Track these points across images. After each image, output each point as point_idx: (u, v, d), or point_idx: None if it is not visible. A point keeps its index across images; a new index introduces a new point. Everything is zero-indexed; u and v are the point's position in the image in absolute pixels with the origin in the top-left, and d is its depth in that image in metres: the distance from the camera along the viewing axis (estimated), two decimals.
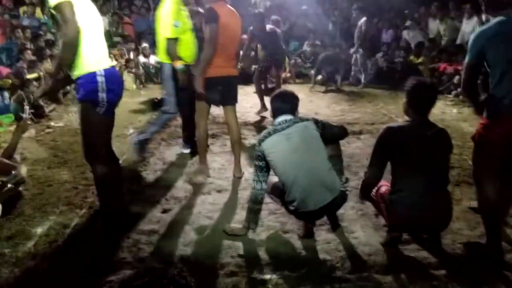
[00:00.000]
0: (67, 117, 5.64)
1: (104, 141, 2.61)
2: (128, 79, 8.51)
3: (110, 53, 8.85)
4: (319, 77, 8.36)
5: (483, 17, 5.28)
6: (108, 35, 9.36)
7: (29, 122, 3.54)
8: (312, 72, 8.54)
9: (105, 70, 2.47)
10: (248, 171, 3.77)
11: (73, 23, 2.28)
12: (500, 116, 2.31)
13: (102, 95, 2.45)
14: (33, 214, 2.96)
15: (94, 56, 2.45)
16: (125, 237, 2.66)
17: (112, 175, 2.62)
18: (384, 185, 2.51)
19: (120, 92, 2.64)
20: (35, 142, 4.64)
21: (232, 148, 3.72)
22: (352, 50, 9.43)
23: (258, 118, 5.90)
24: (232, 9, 3.50)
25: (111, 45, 8.83)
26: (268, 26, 5.98)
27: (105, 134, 2.61)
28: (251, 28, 5.87)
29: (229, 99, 3.60)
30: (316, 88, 8.05)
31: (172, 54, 3.67)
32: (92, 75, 2.43)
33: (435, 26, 9.19)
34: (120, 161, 3.99)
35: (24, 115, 3.46)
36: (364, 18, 8.36)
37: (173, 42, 3.64)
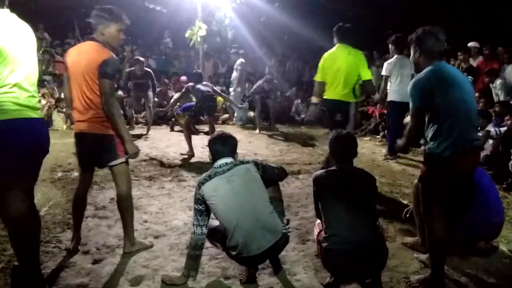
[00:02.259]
0: None
1: (14, 197, 2.17)
2: (58, 119, 8.12)
3: (38, 92, 8.41)
4: (251, 113, 8.78)
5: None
6: (38, 74, 8.94)
7: None
8: (252, 114, 8.81)
9: (2, 122, 2.06)
10: (188, 214, 3.65)
11: None
12: (451, 156, 2.43)
13: None
14: None
15: None
16: None
17: (28, 229, 2.25)
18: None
19: (32, 145, 2.19)
20: None
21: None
22: (288, 93, 9.87)
23: (196, 159, 5.82)
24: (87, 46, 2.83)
25: (41, 83, 8.43)
26: (203, 86, 6.34)
27: (13, 191, 2.16)
28: (188, 85, 6.51)
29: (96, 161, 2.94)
30: (260, 131, 8.19)
31: None
32: None
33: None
34: (47, 208, 3.70)
35: None
36: (240, 60, 8.89)
37: None
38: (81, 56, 2.74)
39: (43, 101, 7.82)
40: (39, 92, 8.42)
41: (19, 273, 2.41)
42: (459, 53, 7.62)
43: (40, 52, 9.48)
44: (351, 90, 4.26)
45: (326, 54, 4.38)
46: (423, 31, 2.59)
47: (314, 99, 4.56)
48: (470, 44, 7.59)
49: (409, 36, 2.67)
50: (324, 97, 4.41)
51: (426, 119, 2.51)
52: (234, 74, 9.04)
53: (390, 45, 5.92)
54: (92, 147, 2.79)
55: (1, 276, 2.58)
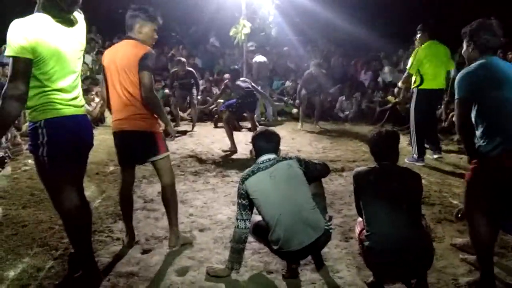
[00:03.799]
0: None
1: (65, 191, 2.32)
2: (110, 116, 8.48)
3: (91, 90, 8.76)
4: (294, 110, 8.68)
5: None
6: (91, 73, 9.42)
7: (6, 160, 3.44)
8: (295, 110, 8.72)
9: (48, 120, 2.20)
10: (231, 209, 3.72)
11: (14, 84, 2.06)
12: (498, 155, 2.32)
13: (42, 150, 2.22)
14: (5, 257, 2.82)
15: (40, 103, 2.19)
16: (103, 281, 2.54)
17: (80, 222, 2.40)
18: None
19: (77, 141, 2.33)
20: (11, 180, 4.51)
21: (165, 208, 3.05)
22: (332, 90, 9.73)
23: (239, 155, 5.90)
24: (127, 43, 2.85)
25: (94, 82, 8.88)
26: (242, 82, 6.35)
27: (62, 185, 2.32)
28: (227, 81, 6.59)
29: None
30: (303, 127, 8.12)
31: None
32: (34, 127, 2.23)
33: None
34: (100, 200, 3.92)
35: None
36: (255, 59, 8.44)
37: None
38: (119, 54, 2.80)
39: (97, 99, 8.23)
40: (93, 90, 8.84)
41: (75, 260, 2.59)
42: None
43: (94, 52, 9.99)
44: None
45: (423, 49, 5.26)
46: (478, 24, 2.46)
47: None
48: None
49: (463, 29, 2.55)
50: (425, 87, 5.25)
51: (474, 115, 2.40)
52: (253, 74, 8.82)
53: (419, 33, 5.65)
54: (133, 145, 2.85)
55: (59, 262, 2.77)
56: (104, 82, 2.96)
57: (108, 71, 2.85)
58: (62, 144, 2.26)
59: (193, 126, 8.01)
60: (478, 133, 2.41)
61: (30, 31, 2.09)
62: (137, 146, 2.87)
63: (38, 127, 2.21)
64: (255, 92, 6.41)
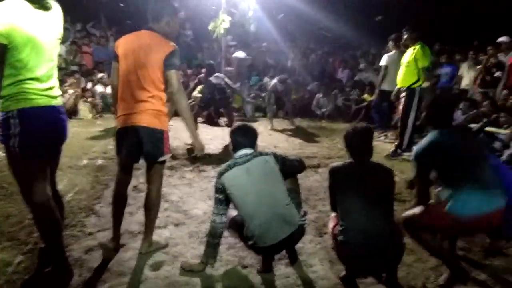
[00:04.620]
0: None
1: (35, 183, 2.26)
2: (84, 108, 8.32)
3: (65, 81, 8.57)
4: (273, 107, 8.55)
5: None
6: (65, 64, 9.17)
7: None
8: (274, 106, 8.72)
9: (21, 110, 2.13)
10: (208, 204, 3.72)
11: None
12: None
13: (14, 141, 2.16)
14: None
15: (13, 93, 2.13)
16: (75, 276, 2.50)
17: (52, 215, 2.33)
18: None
19: (50, 132, 2.29)
20: None
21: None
22: (310, 87, 9.82)
23: (217, 150, 5.89)
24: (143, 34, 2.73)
25: (68, 73, 8.65)
26: (215, 78, 6.35)
27: (35, 177, 2.26)
28: (200, 76, 6.64)
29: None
30: (274, 126, 8.08)
31: None
32: (6, 117, 2.15)
33: None
34: (72, 193, 3.84)
35: None
36: (236, 54, 8.42)
37: None
38: (143, 46, 2.64)
39: (70, 91, 8.04)
40: (66, 82, 8.64)
41: (45, 255, 2.53)
42: (488, 48, 7.41)
43: (68, 42, 9.72)
44: None
45: (426, 49, 5.51)
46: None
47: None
48: (500, 39, 7.36)
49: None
50: (422, 86, 5.60)
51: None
52: (233, 69, 8.80)
53: (390, 42, 6.71)
54: (142, 141, 2.67)
55: (28, 257, 2.70)
56: (113, 69, 2.76)
57: (124, 62, 2.67)
58: (35, 135, 2.20)
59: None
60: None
61: (5, 16, 2.03)
62: (146, 143, 2.68)
63: (10, 117, 2.14)
64: (227, 89, 6.35)
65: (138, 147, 2.71)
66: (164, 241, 3.00)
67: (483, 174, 2.40)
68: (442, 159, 2.43)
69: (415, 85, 5.52)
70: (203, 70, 9.69)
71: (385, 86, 6.72)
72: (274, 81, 8.20)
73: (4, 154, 2.32)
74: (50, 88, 2.28)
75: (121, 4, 11.19)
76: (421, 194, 2.53)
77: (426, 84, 5.70)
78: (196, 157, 2.81)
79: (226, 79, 6.55)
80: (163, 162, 2.83)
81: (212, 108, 6.85)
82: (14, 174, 2.30)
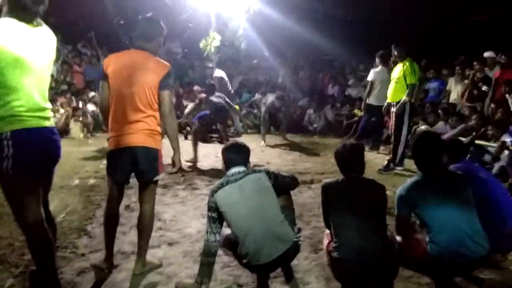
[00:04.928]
0: None
1: (29, 205, 2.23)
2: (75, 128, 8.29)
3: (55, 101, 8.57)
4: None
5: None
6: (56, 83, 9.17)
7: None
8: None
9: (14, 132, 2.11)
10: (201, 222, 3.69)
11: None
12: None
13: (7, 163, 2.12)
14: None
15: (7, 115, 2.11)
16: None
17: (45, 237, 2.30)
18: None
19: (44, 154, 2.27)
20: None
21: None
22: (300, 102, 9.90)
23: (209, 167, 5.87)
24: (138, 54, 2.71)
25: (59, 93, 8.64)
26: (216, 98, 6.54)
27: (26, 200, 2.22)
28: (202, 96, 6.88)
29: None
30: (267, 142, 8.12)
31: None
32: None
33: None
34: (64, 214, 3.79)
35: None
36: (215, 74, 8.42)
37: None
38: (137, 66, 2.63)
39: (62, 110, 8.02)
40: (57, 101, 8.62)
41: (36, 277, 2.48)
42: (474, 63, 7.56)
43: (59, 62, 9.73)
44: None
45: (414, 64, 5.63)
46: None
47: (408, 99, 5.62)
48: (486, 54, 7.53)
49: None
50: (413, 101, 5.77)
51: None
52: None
53: (377, 59, 6.91)
54: (138, 161, 2.66)
55: (19, 280, 2.65)
56: (103, 89, 2.72)
57: (116, 81, 2.63)
58: (29, 157, 2.18)
59: (162, 137, 7.83)
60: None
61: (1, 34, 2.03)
62: (142, 163, 2.67)
63: (3, 138, 2.12)
64: (227, 107, 6.61)
65: (132, 167, 2.70)
66: (158, 261, 2.96)
67: (460, 224, 2.39)
68: (417, 209, 2.48)
69: (409, 100, 5.59)
70: (195, 88, 9.76)
71: (372, 101, 6.91)
72: (271, 98, 8.36)
73: None
74: (43, 110, 2.27)
75: (121, 22, 11.27)
76: (400, 231, 2.59)
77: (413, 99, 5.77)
78: (172, 172, 2.87)
79: (226, 98, 6.74)
80: (156, 181, 2.82)
81: (211, 125, 7.04)
82: (7, 197, 2.26)
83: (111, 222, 2.83)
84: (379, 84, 6.77)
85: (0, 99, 2.11)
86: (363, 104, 7.27)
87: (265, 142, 7.90)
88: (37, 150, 2.22)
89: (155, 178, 2.76)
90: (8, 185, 2.21)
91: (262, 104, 9.03)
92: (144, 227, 2.81)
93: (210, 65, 8.94)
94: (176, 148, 2.82)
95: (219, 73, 8.25)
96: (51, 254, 2.36)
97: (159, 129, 2.74)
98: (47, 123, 2.28)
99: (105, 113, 2.76)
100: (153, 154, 2.71)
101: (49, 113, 2.33)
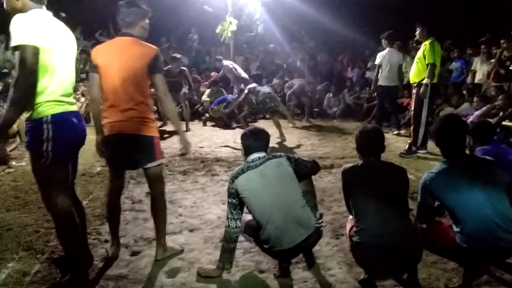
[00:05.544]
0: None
1: (60, 190, 2.32)
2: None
3: (77, 89, 8.71)
4: (283, 107, 8.87)
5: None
6: (76, 72, 9.28)
7: None
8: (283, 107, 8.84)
9: (53, 115, 2.23)
10: (221, 208, 3.69)
11: (29, 73, 2.09)
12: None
13: (47, 145, 2.22)
14: None
15: (46, 100, 2.21)
16: (91, 284, 2.49)
17: (73, 222, 2.37)
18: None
19: (76, 136, 2.38)
20: None
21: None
22: (319, 87, 9.78)
23: (228, 154, 5.87)
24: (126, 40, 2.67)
25: (78, 81, 8.73)
26: (263, 87, 7.05)
27: (60, 183, 2.32)
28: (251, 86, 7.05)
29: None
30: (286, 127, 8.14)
31: None
32: (39, 122, 2.21)
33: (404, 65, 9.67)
34: (87, 201, 3.85)
35: None
36: (224, 63, 8.51)
37: None
38: (124, 52, 2.61)
39: (82, 99, 8.11)
40: (78, 90, 8.72)
41: (62, 264, 2.54)
42: (502, 41, 7.26)
43: (78, 51, 9.83)
44: None
45: (437, 44, 5.47)
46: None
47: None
48: None
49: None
50: (434, 81, 5.55)
51: None
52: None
53: (383, 40, 6.96)
54: (131, 149, 2.65)
55: (45, 267, 2.70)
56: (93, 80, 2.71)
57: (105, 70, 2.62)
58: (67, 139, 2.31)
59: (187, 126, 7.74)
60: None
61: (39, 22, 2.15)
62: (134, 151, 2.66)
63: (43, 122, 2.21)
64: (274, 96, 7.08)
65: (128, 154, 2.69)
66: (180, 246, 2.98)
67: (490, 213, 2.25)
68: (444, 198, 2.35)
69: (429, 81, 5.43)
70: (212, 74, 9.73)
71: (382, 82, 6.93)
72: (297, 82, 8.64)
73: (19, 164, 2.34)
74: (71, 95, 2.41)
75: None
76: (422, 219, 2.48)
77: (435, 80, 5.57)
78: (183, 154, 2.88)
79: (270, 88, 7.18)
80: (159, 166, 2.78)
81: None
82: (39, 180, 2.33)
83: (112, 210, 2.84)
84: (387, 66, 6.82)
85: (40, 85, 2.19)
86: (372, 88, 7.28)
87: (293, 124, 8.06)
88: (71, 133, 2.34)
89: (152, 165, 2.72)
90: (43, 168, 2.28)
91: (286, 88, 8.98)
92: (157, 213, 2.81)
93: (219, 57, 8.90)
94: (179, 129, 2.82)
95: (227, 62, 8.22)
96: (78, 240, 2.42)
97: (152, 116, 2.71)
98: (75, 108, 2.41)
99: (95, 106, 2.77)
100: (147, 141, 2.67)
101: (73, 99, 2.45)
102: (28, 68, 2.08)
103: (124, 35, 2.69)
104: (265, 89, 6.91)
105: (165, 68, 7.61)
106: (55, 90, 2.25)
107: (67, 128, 2.30)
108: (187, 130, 7.63)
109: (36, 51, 2.11)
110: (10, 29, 2.11)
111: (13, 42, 2.09)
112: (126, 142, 2.64)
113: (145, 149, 2.68)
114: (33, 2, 2.23)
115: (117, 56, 2.61)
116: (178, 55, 7.92)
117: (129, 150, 2.67)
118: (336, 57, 11.71)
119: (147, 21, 2.75)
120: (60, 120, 2.26)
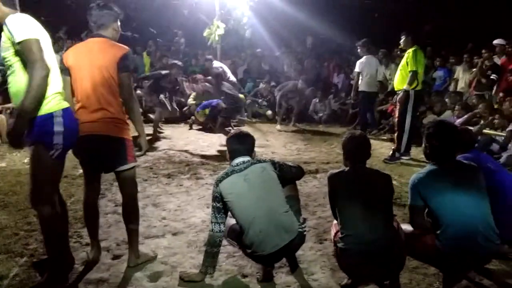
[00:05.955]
0: (10, 157, 5.30)
1: (54, 185, 2.42)
2: None
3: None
4: (269, 112, 9.17)
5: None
6: (61, 72, 9.13)
7: None
8: (269, 112, 8.91)
9: (64, 110, 2.34)
10: (205, 212, 3.67)
11: (43, 62, 2.16)
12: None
13: (58, 138, 2.30)
14: None
15: (53, 93, 2.31)
16: None
17: (59, 220, 2.41)
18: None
19: (78, 130, 2.47)
20: None
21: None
22: (306, 92, 9.83)
23: (214, 157, 5.85)
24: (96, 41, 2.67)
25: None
26: (229, 89, 6.99)
27: (56, 178, 2.42)
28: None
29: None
30: (278, 127, 8.28)
31: None
32: (50, 116, 2.28)
33: (381, 70, 9.79)
34: (68, 203, 3.78)
35: None
36: (213, 64, 8.42)
37: None
38: (95, 53, 2.59)
39: None
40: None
41: (41, 267, 2.49)
42: (483, 51, 7.43)
43: (62, 52, 9.70)
44: None
45: (419, 52, 5.58)
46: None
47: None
48: (495, 41, 7.38)
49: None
50: (418, 89, 5.63)
51: None
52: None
53: (359, 48, 7.22)
54: (102, 150, 2.61)
55: (24, 270, 2.65)
56: (64, 83, 2.58)
57: (76, 71, 2.61)
58: (73, 133, 2.42)
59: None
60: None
61: (30, 20, 2.24)
62: (106, 152, 2.63)
63: (56, 116, 2.30)
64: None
65: (99, 156, 2.65)
66: (154, 252, 2.91)
67: (472, 219, 2.29)
68: (428, 201, 2.38)
69: (411, 88, 5.51)
70: (199, 76, 9.67)
71: (363, 88, 7.30)
72: (292, 82, 8.67)
73: (3, 165, 2.33)
74: (62, 92, 2.47)
75: (154, 31, 11.78)
76: (414, 222, 2.49)
77: (419, 87, 5.65)
78: (139, 155, 2.89)
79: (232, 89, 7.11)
80: (132, 169, 2.74)
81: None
82: (38, 175, 2.34)
83: (90, 213, 2.79)
84: (368, 73, 7.17)
85: (51, 82, 2.29)
86: (353, 94, 7.68)
87: (280, 126, 8.23)
88: (77, 127, 2.47)
89: (124, 168, 2.67)
90: (47, 162, 2.32)
91: (277, 91, 8.96)
92: (128, 217, 2.75)
93: (209, 56, 8.79)
94: (141, 131, 2.79)
95: (217, 64, 8.13)
96: (63, 238, 2.49)
97: (123, 117, 2.68)
98: (68, 105, 2.47)
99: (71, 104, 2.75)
100: (118, 143, 2.63)
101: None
102: (40, 58, 2.15)
103: (95, 36, 2.69)
104: (232, 91, 6.95)
105: (163, 73, 7.35)
106: (57, 83, 2.37)
107: (75, 122, 2.45)
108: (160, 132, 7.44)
109: (40, 44, 2.19)
110: (8, 29, 2.19)
111: (18, 38, 2.15)
112: (96, 143, 2.59)
113: (116, 151, 2.64)
114: (10, 8, 2.28)
115: (88, 57, 2.60)
116: (179, 63, 7.75)
117: (100, 152, 2.62)
118: (322, 63, 11.80)
119: (118, 23, 2.76)
120: (69, 114, 2.38)
